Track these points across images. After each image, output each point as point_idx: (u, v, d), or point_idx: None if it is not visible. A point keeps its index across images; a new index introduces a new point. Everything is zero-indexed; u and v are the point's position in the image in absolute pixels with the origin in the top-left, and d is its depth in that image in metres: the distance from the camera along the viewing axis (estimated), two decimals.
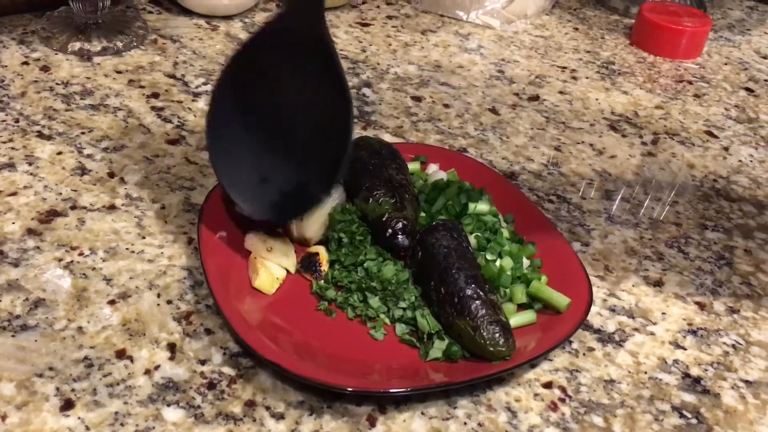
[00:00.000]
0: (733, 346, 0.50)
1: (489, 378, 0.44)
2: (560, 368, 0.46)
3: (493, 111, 0.71)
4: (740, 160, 0.70)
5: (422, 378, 0.43)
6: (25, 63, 0.67)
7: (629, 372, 0.47)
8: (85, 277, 0.47)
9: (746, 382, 0.47)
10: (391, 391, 0.42)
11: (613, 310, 0.51)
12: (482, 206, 0.53)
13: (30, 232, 0.50)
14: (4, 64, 0.66)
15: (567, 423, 0.43)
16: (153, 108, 0.64)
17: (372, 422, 0.41)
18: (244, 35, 0.77)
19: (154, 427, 0.39)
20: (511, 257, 0.49)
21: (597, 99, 0.76)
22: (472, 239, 0.50)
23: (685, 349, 0.49)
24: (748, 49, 0.92)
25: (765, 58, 0.90)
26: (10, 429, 0.38)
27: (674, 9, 0.90)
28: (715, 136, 0.73)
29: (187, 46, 0.74)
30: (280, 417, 0.41)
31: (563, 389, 0.45)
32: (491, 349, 0.43)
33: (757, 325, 0.52)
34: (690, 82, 0.82)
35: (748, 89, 0.83)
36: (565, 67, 0.81)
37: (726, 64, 0.87)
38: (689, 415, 0.44)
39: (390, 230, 0.49)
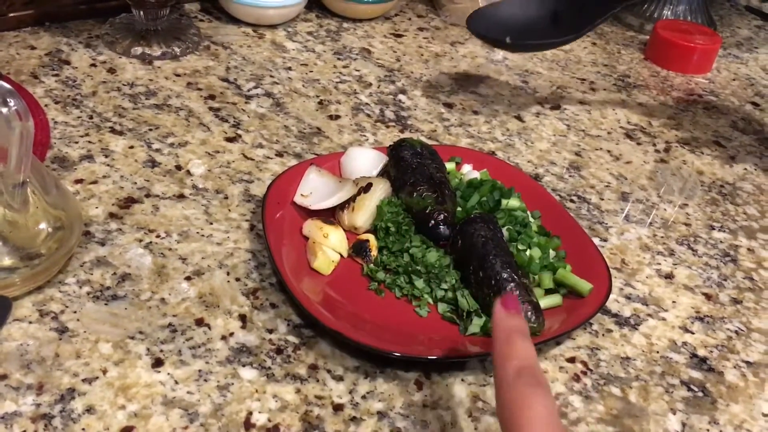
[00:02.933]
0: (736, 332, 0.56)
1: None
2: (582, 346, 0.52)
3: (519, 118, 0.78)
4: (745, 168, 0.76)
5: (461, 348, 0.49)
6: (93, 65, 0.73)
7: (643, 351, 0.52)
8: (163, 256, 0.53)
9: (747, 362, 0.53)
10: (434, 357, 0.47)
11: (628, 297, 0.57)
12: (513, 202, 0.59)
13: (112, 215, 0.56)
14: (75, 65, 0.73)
15: (588, 392, 0.49)
16: (210, 108, 0.70)
17: (419, 386, 0.47)
18: (288, 43, 0.83)
19: (233, 383, 0.45)
20: (539, 248, 0.55)
21: (614, 109, 0.82)
22: (504, 231, 0.56)
23: (693, 333, 0.55)
24: (755, 66, 0.98)
25: None
26: (111, 381, 0.44)
27: (686, 27, 0.96)
28: (723, 146, 0.79)
29: (237, 53, 0.80)
30: (339, 379, 0.47)
31: (585, 364, 0.51)
32: None
33: (758, 314, 0.57)
34: (700, 96, 0.88)
35: (754, 103, 0.89)
36: (584, 79, 0.87)
37: (734, 79, 0.93)
38: (696, 389, 0.50)
39: (432, 221, 0.55)
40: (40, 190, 0.47)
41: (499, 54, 0.90)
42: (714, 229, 0.66)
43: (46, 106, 0.66)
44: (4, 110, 0.41)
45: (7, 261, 0.46)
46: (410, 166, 0.59)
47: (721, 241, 0.65)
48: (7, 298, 0.39)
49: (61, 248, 0.48)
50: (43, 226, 0.47)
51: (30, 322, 0.47)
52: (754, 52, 1.02)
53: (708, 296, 0.58)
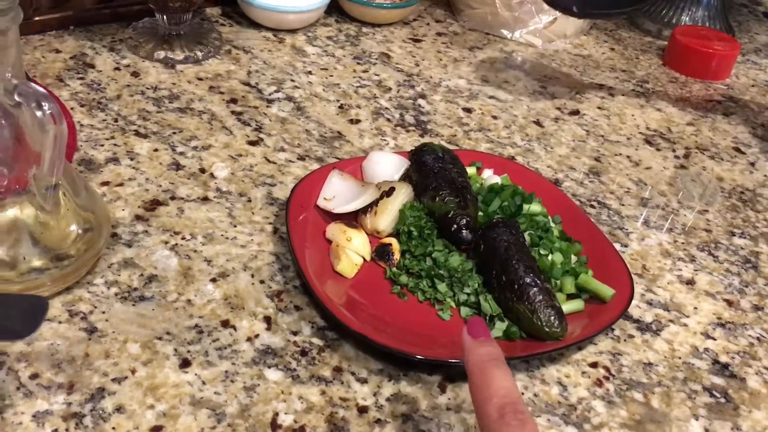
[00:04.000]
0: (758, 338, 0.56)
1: (544, 354, 0.50)
2: (604, 351, 0.52)
3: (538, 123, 0.78)
4: (765, 175, 0.76)
5: None
6: (117, 69, 0.74)
7: (665, 357, 0.53)
8: (189, 258, 0.54)
9: None
10: (457, 360, 0.48)
11: (650, 303, 0.57)
12: (534, 207, 0.59)
13: (138, 218, 0.57)
14: (99, 69, 0.74)
15: (611, 397, 0.49)
16: (233, 112, 0.71)
17: (442, 389, 0.48)
18: (308, 47, 0.84)
19: (258, 384, 0.46)
20: (561, 253, 0.55)
21: (633, 115, 0.82)
22: (526, 236, 0.56)
23: (715, 340, 0.55)
24: None
25: None
26: (140, 381, 0.45)
27: (705, 33, 0.96)
28: (743, 152, 0.79)
29: (258, 57, 0.81)
30: (364, 381, 0.47)
31: (607, 369, 0.51)
32: (547, 330, 0.49)
33: None
34: (719, 102, 0.88)
35: None
36: (602, 85, 0.87)
37: (753, 85, 0.93)
38: (718, 395, 0.50)
39: (455, 225, 0.55)
40: (71, 192, 0.48)
41: (518, 59, 0.90)
42: (735, 235, 0.66)
43: (71, 109, 0.67)
44: (39, 114, 0.42)
45: (38, 262, 0.47)
46: (432, 170, 0.59)
47: (741, 248, 0.65)
48: (43, 299, 0.39)
49: (90, 249, 0.49)
50: (73, 227, 0.48)
51: (60, 322, 0.47)
52: None
53: (729, 302, 0.58)
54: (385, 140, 0.71)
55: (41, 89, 0.43)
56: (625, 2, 0.76)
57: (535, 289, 0.50)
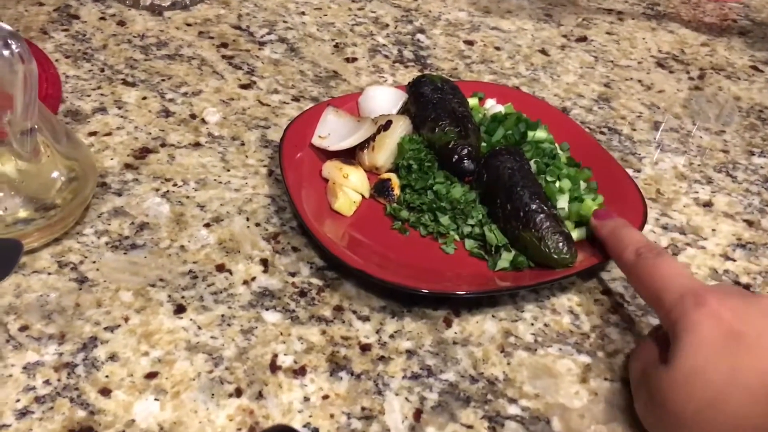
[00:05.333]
0: None
1: (554, 283, 0.48)
2: (617, 278, 0.50)
3: (543, 52, 0.74)
4: None
5: (491, 284, 0.47)
6: (103, 18, 0.72)
7: None
8: (181, 204, 0.52)
9: None
10: (463, 293, 0.46)
11: (665, 227, 0.54)
12: (540, 134, 0.56)
13: (127, 166, 0.55)
14: (84, 20, 0.71)
15: (626, 324, 0.47)
16: (223, 57, 0.68)
17: (448, 323, 0.46)
18: None
19: (256, 327, 0.44)
20: (569, 179, 0.53)
21: (644, 38, 0.78)
22: (532, 164, 0.54)
23: (735, 261, 0.52)
24: None
25: None
26: (133, 328, 0.43)
27: None
28: (761, 71, 0.75)
29: (249, 0, 0.77)
30: (366, 319, 0.45)
31: (621, 296, 0.49)
32: (555, 257, 0.47)
33: None
34: (735, 21, 0.84)
35: None
36: (611, 10, 0.83)
37: None
38: None
39: (456, 156, 0.53)
40: (51, 139, 0.46)
41: None
42: (754, 154, 0.63)
43: (56, 60, 0.64)
44: (6, 53, 0.40)
45: (23, 213, 0.45)
46: (431, 101, 0.56)
47: (761, 167, 0.61)
48: (18, 240, 0.38)
49: (77, 198, 0.47)
50: (55, 174, 0.46)
51: (49, 273, 0.46)
52: None
53: (749, 223, 0.56)
54: (383, 77, 0.68)
55: (7, 27, 0.40)
56: None
57: (541, 215, 0.48)
